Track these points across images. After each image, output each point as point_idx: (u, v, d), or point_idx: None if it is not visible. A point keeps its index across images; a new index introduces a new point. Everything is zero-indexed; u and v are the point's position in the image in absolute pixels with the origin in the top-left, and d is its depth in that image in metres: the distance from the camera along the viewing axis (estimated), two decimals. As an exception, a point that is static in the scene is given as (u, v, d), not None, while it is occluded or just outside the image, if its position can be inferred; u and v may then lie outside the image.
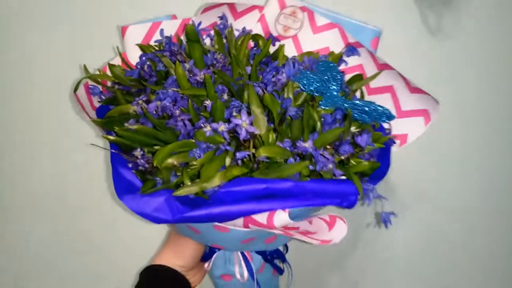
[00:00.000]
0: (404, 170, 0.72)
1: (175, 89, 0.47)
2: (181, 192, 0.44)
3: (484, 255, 0.79)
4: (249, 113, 0.46)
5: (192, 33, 0.50)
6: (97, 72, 0.54)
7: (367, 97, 0.61)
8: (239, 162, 0.48)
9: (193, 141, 0.46)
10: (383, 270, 0.79)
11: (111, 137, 0.46)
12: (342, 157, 0.49)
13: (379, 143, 0.52)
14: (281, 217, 0.46)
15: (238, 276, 0.60)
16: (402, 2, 0.68)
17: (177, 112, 0.46)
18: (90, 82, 0.53)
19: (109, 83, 0.54)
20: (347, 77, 0.61)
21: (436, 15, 0.69)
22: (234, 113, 0.47)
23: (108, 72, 0.54)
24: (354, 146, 0.50)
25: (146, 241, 0.77)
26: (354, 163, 0.50)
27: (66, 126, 0.72)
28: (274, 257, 0.63)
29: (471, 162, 0.75)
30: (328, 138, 0.48)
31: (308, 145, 0.46)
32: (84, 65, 0.53)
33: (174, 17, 0.60)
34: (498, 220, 0.77)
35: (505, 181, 0.76)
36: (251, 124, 0.45)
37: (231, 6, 0.60)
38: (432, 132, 0.69)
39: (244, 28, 0.60)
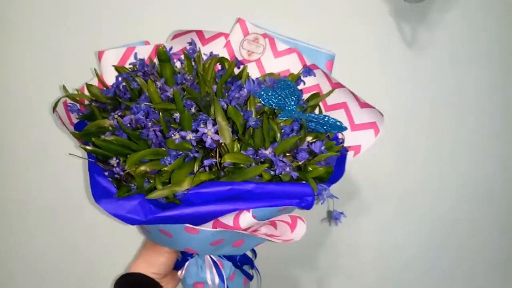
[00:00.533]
0: (369, 174, 0.80)
1: (147, 103, 0.52)
2: (154, 195, 0.49)
3: (442, 250, 0.86)
4: (214, 124, 0.51)
5: (163, 53, 0.55)
6: (75, 92, 0.59)
7: (325, 113, 0.68)
8: (207, 169, 0.53)
9: (164, 149, 0.51)
10: (349, 267, 0.84)
11: (88, 148, 0.50)
12: (300, 163, 0.55)
13: (333, 151, 0.58)
14: (246, 218, 0.51)
15: (209, 282, 0.64)
16: (380, 17, 0.76)
17: (150, 124, 0.51)
18: (69, 101, 0.58)
19: (86, 102, 0.59)
20: (307, 96, 0.68)
21: (411, 28, 0.76)
22: (202, 125, 0.52)
23: (86, 92, 0.59)
24: (310, 154, 0.56)
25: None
26: (311, 169, 0.56)
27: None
28: (243, 263, 0.67)
29: (434, 165, 0.82)
30: (286, 145, 0.54)
31: (268, 152, 0.52)
32: (63, 85, 0.58)
33: (147, 43, 0.66)
34: (455, 220, 0.84)
35: (467, 183, 0.83)
36: (216, 133, 0.50)
37: (199, 33, 0.66)
38: (398, 137, 0.79)
39: (211, 52, 0.66)
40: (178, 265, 0.65)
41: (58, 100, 0.57)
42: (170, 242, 0.56)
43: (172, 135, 0.49)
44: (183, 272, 0.64)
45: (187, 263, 0.64)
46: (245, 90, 0.55)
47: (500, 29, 0.78)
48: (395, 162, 0.81)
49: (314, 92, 0.68)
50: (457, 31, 0.78)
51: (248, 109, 0.55)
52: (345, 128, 0.60)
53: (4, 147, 0.77)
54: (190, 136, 0.49)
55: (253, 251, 0.70)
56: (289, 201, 0.52)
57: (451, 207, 0.84)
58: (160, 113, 0.52)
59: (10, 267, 0.81)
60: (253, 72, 0.68)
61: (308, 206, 0.53)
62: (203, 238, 0.53)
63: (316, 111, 0.68)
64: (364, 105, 0.63)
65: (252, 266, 0.68)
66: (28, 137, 0.76)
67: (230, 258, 0.66)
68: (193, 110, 0.54)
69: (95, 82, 0.61)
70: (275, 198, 0.52)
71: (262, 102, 0.56)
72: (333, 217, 0.55)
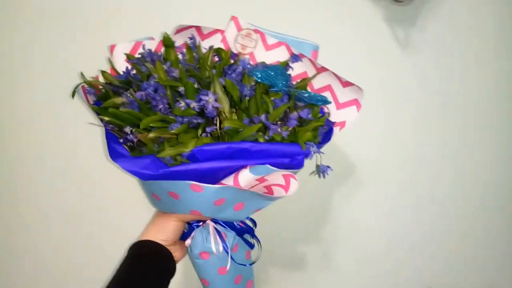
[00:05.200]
0: (360, 154, 0.88)
1: (156, 80, 0.60)
2: (164, 153, 0.56)
3: (440, 218, 0.94)
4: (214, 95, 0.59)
5: (168, 39, 0.64)
6: (91, 79, 0.67)
7: (313, 97, 0.76)
8: (209, 135, 0.60)
9: (172, 117, 0.58)
10: (349, 238, 0.91)
11: (106, 118, 0.58)
12: (290, 129, 0.62)
13: (320, 121, 0.66)
14: (245, 175, 0.58)
15: (214, 250, 0.70)
16: (374, 22, 0.86)
17: (158, 97, 0.59)
18: (86, 86, 0.66)
19: (100, 87, 0.67)
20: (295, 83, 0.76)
21: (404, 32, 0.86)
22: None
23: (100, 79, 0.68)
24: (300, 121, 0.63)
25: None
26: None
27: (67, 130, 0.82)
28: (244, 232, 0.73)
29: (419, 150, 0.92)
30: (278, 113, 0.61)
31: (262, 118, 0.60)
32: (81, 72, 0.66)
33: (152, 39, 0.75)
34: (451, 193, 0.93)
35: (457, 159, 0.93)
36: (216, 101, 0.58)
37: (198, 29, 0.75)
38: (390, 126, 0.90)
39: (210, 46, 0.75)
40: (185, 236, 0.71)
41: (78, 85, 0.65)
42: (177, 205, 0.62)
43: (178, 104, 0.57)
44: (190, 240, 0.70)
45: (193, 233, 0.70)
46: (240, 67, 0.63)
47: (487, 29, 0.89)
48: (391, 147, 0.91)
49: (303, 78, 0.77)
50: (446, 32, 0.87)
51: (243, 83, 0.64)
52: (329, 102, 0.68)
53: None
54: (193, 104, 0.57)
55: (253, 221, 0.76)
56: (282, 159, 0.59)
57: (448, 181, 0.93)
58: (167, 89, 0.60)
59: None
60: (248, 64, 0.76)
61: (299, 165, 0.61)
62: (207, 197, 0.59)
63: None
64: (346, 84, 0.71)
65: (253, 235, 0.74)
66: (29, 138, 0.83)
67: (232, 228, 0.72)
68: (195, 86, 0.62)
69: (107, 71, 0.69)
70: (269, 156, 0.59)
71: (255, 78, 0.64)
72: (320, 170, 0.62)
